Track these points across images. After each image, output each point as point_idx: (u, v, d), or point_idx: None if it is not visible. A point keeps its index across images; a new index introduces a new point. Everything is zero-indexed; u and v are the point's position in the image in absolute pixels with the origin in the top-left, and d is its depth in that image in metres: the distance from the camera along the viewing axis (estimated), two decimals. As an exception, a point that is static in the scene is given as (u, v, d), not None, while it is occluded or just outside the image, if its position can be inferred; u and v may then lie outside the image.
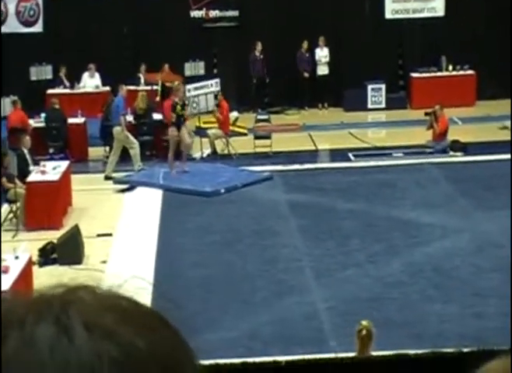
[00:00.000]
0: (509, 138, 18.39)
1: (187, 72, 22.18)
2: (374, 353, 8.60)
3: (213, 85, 21.11)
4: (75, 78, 21.49)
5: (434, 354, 8.77)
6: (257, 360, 8.92)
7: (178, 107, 16.68)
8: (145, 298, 0.94)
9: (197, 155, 18.79)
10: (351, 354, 8.73)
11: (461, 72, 22.15)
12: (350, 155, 18.47)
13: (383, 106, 22.13)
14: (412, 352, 8.90)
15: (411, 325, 11.08)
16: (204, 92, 21.00)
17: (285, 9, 21.95)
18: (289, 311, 11.49)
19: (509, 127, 19.61)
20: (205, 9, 22.34)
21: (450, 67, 22.22)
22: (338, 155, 18.58)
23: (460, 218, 14.61)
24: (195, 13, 22.35)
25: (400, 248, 13.57)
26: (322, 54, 22.31)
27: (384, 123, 21.33)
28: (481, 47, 21.89)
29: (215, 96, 20.10)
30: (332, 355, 9.28)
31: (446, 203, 15.31)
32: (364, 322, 8.46)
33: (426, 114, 18.85)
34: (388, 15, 22.63)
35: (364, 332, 8.33)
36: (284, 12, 21.94)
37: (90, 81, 21.56)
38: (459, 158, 18.05)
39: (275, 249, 13.67)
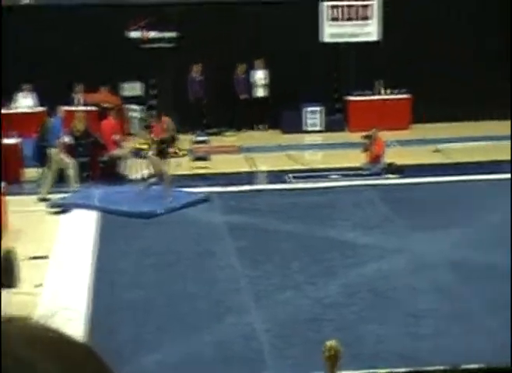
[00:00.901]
0: (442, 161, 18.79)
1: (125, 93, 22.12)
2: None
3: (136, 110, 21.45)
4: (9, 99, 21.27)
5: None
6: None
7: (163, 145, 16.61)
8: (77, 328, 0.94)
9: (135, 176, 18.71)
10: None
11: (396, 96, 22.48)
12: (287, 176, 18.59)
13: (320, 128, 22.33)
14: (383, 371, 8.95)
15: (348, 346, 11.10)
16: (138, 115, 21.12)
17: (224, 31, 22.05)
18: (228, 332, 11.47)
19: (441, 150, 19.99)
20: (143, 30, 22.32)
21: (386, 91, 22.53)
22: (275, 176, 18.68)
23: (396, 239, 14.78)
24: (133, 34, 22.32)
25: (337, 269, 13.66)
26: (258, 76, 22.45)
27: (321, 146, 21.51)
28: (415, 70, 22.25)
29: (145, 120, 20.24)
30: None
31: (382, 225, 15.48)
32: (330, 343, 8.46)
33: (364, 137, 19.07)
34: (326, 39, 22.88)
35: (332, 352, 8.34)
36: (223, 34, 22.04)
37: (24, 101, 21.36)
38: (395, 180, 18.29)
39: (214, 270, 13.65)
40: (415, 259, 13.98)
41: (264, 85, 22.48)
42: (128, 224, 15.61)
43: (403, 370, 9.97)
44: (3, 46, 21.23)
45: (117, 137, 19.10)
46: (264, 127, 22.60)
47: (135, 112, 21.59)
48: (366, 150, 18.93)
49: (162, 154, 16.61)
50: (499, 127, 21.79)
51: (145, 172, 18.81)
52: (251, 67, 22.38)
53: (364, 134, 19.04)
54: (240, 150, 20.60)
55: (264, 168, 19.17)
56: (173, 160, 18.90)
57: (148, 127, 19.30)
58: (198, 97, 22.10)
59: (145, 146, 19.41)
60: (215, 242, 14.89)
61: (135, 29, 22.29)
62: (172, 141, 17.21)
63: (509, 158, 19.02)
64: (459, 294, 12.68)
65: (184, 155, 19.92)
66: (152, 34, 22.41)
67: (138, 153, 19.24)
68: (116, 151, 18.87)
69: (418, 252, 14.28)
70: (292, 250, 14.41)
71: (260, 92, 22.55)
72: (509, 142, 20.10)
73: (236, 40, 22.04)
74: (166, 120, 18.04)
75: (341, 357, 8.32)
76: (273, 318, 11.97)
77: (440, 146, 20.22)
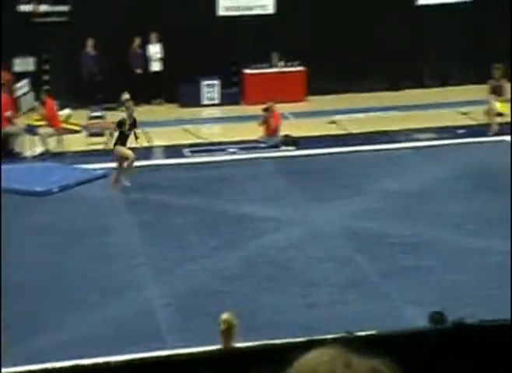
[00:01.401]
0: (337, 132, 19.05)
1: (17, 68, 21.60)
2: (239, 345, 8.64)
3: (25, 85, 21.00)
4: None
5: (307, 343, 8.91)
6: (91, 362, 8.81)
7: (125, 126, 16.15)
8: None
9: (28, 153, 18.35)
10: (216, 347, 8.75)
11: (292, 68, 22.59)
12: (185, 150, 18.53)
13: (217, 101, 22.29)
14: (278, 342, 9.01)
15: (245, 318, 11.20)
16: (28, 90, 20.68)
17: (118, 5, 21.73)
18: (127, 308, 11.41)
19: (336, 121, 20.25)
20: (34, 3, 21.81)
21: (282, 64, 22.62)
22: (173, 151, 18.58)
23: (293, 211, 14.93)
24: (24, 7, 21.77)
25: (236, 242, 13.73)
26: (154, 50, 22.24)
27: (218, 119, 21.50)
28: (310, 43, 22.39)
29: (38, 96, 19.85)
30: (199, 349, 9.28)
31: (279, 197, 15.61)
32: (224, 316, 8.48)
33: (264, 110, 19.10)
34: (221, 12, 22.79)
35: (226, 325, 8.36)
36: (117, 9, 21.71)
37: None
38: (291, 152, 18.44)
39: (111, 247, 13.55)
40: (312, 230, 14.16)
41: (160, 59, 22.29)
42: (22, 202, 15.32)
43: (299, 340, 10.10)
44: None
45: (8, 113, 18.68)
46: (161, 102, 22.43)
47: (26, 87, 21.12)
48: (263, 123, 19.01)
49: (122, 137, 16.26)
50: (391, 98, 22.23)
51: (39, 150, 18.46)
52: (147, 42, 22.14)
53: (264, 106, 19.08)
54: (137, 125, 20.36)
55: (161, 143, 19.05)
56: (65, 137, 18.63)
57: (42, 103, 18.92)
58: (92, 73, 21.76)
59: (39, 122, 19.04)
60: (113, 218, 14.76)
61: (25, 3, 21.76)
62: (132, 123, 16.59)
63: (398, 128, 19.48)
64: (355, 263, 12.91)
65: (78, 131, 19.62)
66: (44, 8, 21.92)
67: (31, 130, 18.86)
68: (8, 128, 18.47)
69: (315, 222, 14.46)
70: (190, 224, 14.40)
71: (155, 67, 22.34)
72: (396, 112, 20.61)
73: (130, 14, 21.73)
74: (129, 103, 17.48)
75: (236, 330, 8.37)
76: (173, 292, 11.97)
77: (335, 118, 20.47)
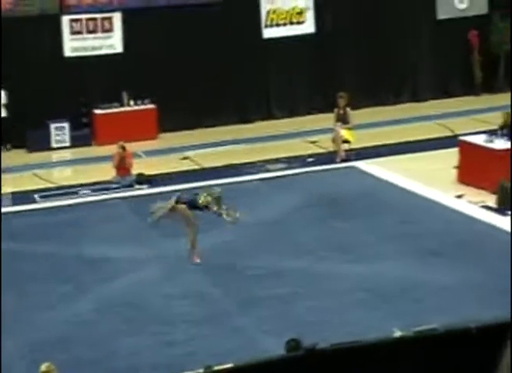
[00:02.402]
0: (190, 168, 19.12)
1: None
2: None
3: None
4: None
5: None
6: None
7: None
8: None
9: None
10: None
11: (142, 106, 22.56)
12: (36, 196, 18.17)
13: (67, 144, 21.99)
14: None
15: (102, 362, 11.03)
16: None
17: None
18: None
19: (189, 156, 20.34)
20: None
21: (132, 102, 22.56)
22: (22, 197, 18.16)
23: (148, 250, 14.83)
24: None
25: (89, 286, 13.50)
26: (-3, 96, 21.78)
27: (69, 162, 21.19)
28: (160, 80, 22.45)
29: None
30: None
31: (133, 237, 15.47)
32: (43, 367, 8.37)
33: (121, 148, 18.90)
34: (68, 54, 22.57)
35: None
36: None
37: None
38: (144, 190, 18.35)
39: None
40: (168, 268, 14.09)
41: (4, 105, 21.82)
42: None
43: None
44: None
45: None
46: (9, 148, 21.92)
47: None
48: (116, 163, 18.85)
49: None
50: (242, 131, 22.52)
51: None
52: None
53: (117, 145, 18.92)
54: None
55: (9, 189, 18.59)
56: None
57: None
58: None
59: None
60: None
61: None
62: None
63: (249, 160, 19.73)
64: (211, 297, 12.91)
65: None
66: None
67: None
68: None
69: (171, 260, 14.39)
70: (41, 271, 14.08)
71: (1, 113, 21.85)
72: (247, 145, 20.91)
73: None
74: None
75: None
76: (27, 341, 11.64)
77: (188, 153, 20.55)
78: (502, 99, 23.30)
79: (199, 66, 22.80)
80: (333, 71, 23.84)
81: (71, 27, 22.69)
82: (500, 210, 15.77)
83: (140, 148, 20.78)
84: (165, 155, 20.81)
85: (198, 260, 14.09)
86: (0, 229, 15.36)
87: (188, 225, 14.14)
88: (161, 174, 19.05)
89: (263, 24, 23.65)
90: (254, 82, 23.43)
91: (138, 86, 22.30)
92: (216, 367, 8.79)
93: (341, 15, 23.89)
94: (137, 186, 18.57)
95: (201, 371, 8.99)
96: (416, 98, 24.64)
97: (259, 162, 19.73)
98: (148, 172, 19.00)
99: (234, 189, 17.94)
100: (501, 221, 15.24)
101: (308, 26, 23.91)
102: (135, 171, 18.91)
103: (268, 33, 23.68)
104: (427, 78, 24.73)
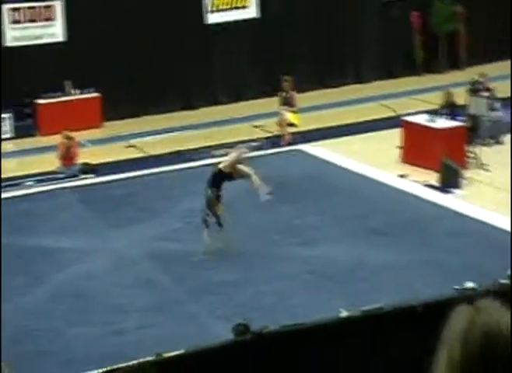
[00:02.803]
0: (136, 156, 19.07)
1: None
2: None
3: None
4: None
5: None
6: None
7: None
8: None
9: None
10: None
11: (86, 95, 22.40)
12: (-21, 189, 17.99)
13: (11, 135, 21.76)
14: None
15: (58, 353, 11.03)
16: None
17: None
18: None
19: (134, 145, 20.29)
20: None
21: (76, 91, 22.39)
22: (-33, 190, 17.96)
23: (96, 239, 14.80)
24: None
25: (39, 276, 13.45)
26: None
27: (13, 153, 20.98)
28: (103, 69, 22.31)
29: None
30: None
31: (81, 227, 15.42)
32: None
33: (66, 138, 18.77)
34: (9, 43, 22.29)
35: None
36: None
37: None
38: (90, 180, 18.27)
39: None
40: (116, 257, 14.09)
41: None
42: None
43: (109, 368, 10.01)
44: None
45: None
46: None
47: None
48: (61, 152, 18.73)
49: None
50: (187, 117, 22.49)
51: None
52: None
53: (62, 135, 18.81)
54: None
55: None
56: None
57: None
58: None
59: None
60: None
61: None
62: None
63: (196, 146, 19.73)
64: (161, 285, 12.94)
65: None
66: None
67: None
68: None
69: (119, 249, 14.39)
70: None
71: None
72: (192, 131, 20.91)
73: None
74: None
75: None
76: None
77: (133, 141, 20.49)
78: (443, 79, 23.64)
79: (142, 53, 22.69)
80: (278, 56, 23.91)
81: (12, 16, 22.41)
82: (443, 188, 16.02)
83: (84, 137, 20.66)
84: (110, 143, 20.72)
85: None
86: None
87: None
88: (106, 163, 18.98)
89: (206, 9, 23.60)
90: (199, 69, 23.40)
91: (82, 75, 22.13)
92: (166, 355, 8.87)
93: (283, 0, 23.96)
94: (82, 176, 18.48)
95: (152, 358, 9.07)
96: (360, 79, 24.84)
97: (205, 147, 19.75)
98: (93, 161, 18.92)
99: (181, 176, 17.98)
100: (444, 199, 15.50)
101: (252, 11, 23.93)
102: (80, 160, 18.80)
103: (212, 18, 23.65)
104: (371, 60, 24.94)
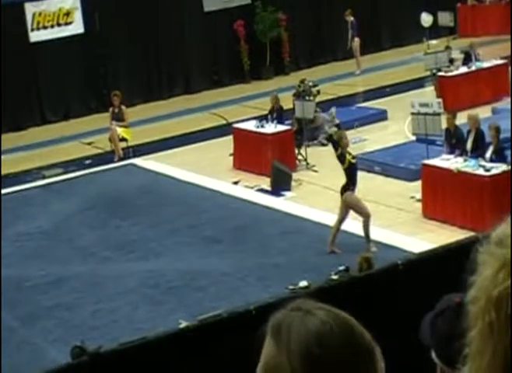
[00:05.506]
0: None
1: None
2: None
3: None
4: None
5: None
6: None
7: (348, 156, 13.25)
8: None
9: None
10: None
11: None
12: None
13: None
14: None
15: None
16: None
17: None
18: None
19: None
20: None
21: None
22: None
23: None
24: None
25: None
26: None
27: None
28: None
29: None
30: None
31: None
32: None
33: None
34: None
35: None
36: None
37: None
38: None
39: None
40: None
41: None
42: None
43: None
44: None
45: None
46: None
47: None
48: None
49: None
50: (14, 138, 21.90)
51: None
52: None
53: None
54: None
55: None
56: None
57: None
58: None
59: None
60: None
61: None
62: None
63: (25, 168, 19.21)
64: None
65: None
66: None
67: None
68: None
69: None
70: None
71: None
72: (21, 153, 20.36)
73: None
74: None
75: None
76: None
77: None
78: (270, 84, 24.01)
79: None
80: (105, 71, 23.66)
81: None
82: (275, 191, 16.21)
83: None
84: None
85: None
86: None
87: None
88: None
89: (29, 28, 23.07)
90: (25, 89, 22.82)
91: None
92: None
93: (109, 14, 23.72)
94: None
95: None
96: (189, 90, 24.90)
97: (35, 169, 19.27)
98: None
99: (13, 199, 17.45)
100: (276, 202, 15.69)
101: (77, 27, 23.58)
102: None
103: (36, 36, 23.14)
104: (198, 70, 25.05)
